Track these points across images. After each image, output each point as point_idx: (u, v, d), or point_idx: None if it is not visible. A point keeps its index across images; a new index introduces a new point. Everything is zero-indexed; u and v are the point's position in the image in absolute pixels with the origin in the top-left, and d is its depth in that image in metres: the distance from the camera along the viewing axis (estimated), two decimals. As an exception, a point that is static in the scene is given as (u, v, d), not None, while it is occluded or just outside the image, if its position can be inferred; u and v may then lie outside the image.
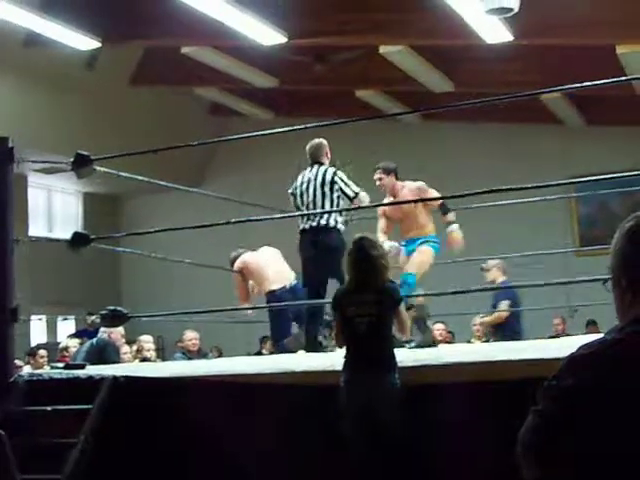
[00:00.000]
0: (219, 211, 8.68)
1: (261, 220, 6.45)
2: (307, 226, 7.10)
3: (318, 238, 7.03)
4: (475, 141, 13.77)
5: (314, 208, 7.11)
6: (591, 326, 11.57)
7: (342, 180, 7.19)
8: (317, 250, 7.03)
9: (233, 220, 6.18)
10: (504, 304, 8.89)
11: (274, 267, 8.23)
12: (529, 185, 7.25)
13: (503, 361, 4.73)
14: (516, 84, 11.24)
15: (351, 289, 4.71)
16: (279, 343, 7.85)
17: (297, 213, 6.94)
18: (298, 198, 7.30)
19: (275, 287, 8.02)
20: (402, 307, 4.75)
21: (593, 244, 13.19)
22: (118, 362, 7.34)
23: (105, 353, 7.90)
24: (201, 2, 9.54)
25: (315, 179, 7.23)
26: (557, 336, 10.43)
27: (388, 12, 10.04)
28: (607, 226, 14.15)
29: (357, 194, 7.14)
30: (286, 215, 6.90)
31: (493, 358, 4.93)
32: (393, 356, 4.53)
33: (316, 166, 7.35)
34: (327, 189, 7.16)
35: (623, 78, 7.10)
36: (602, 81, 6.08)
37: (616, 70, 9.77)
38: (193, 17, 9.93)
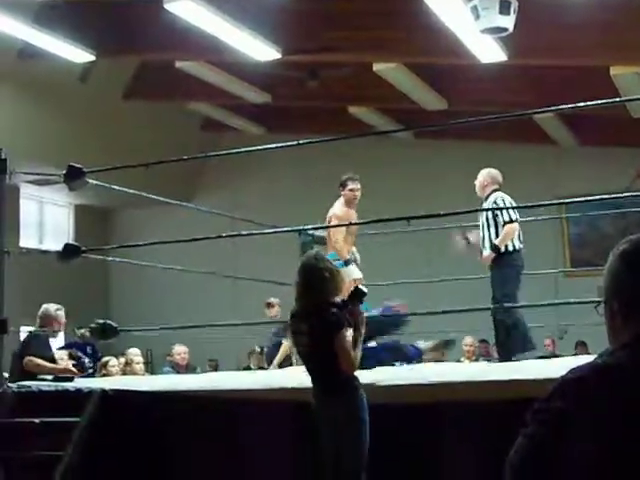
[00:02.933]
0: (210, 226, 8.67)
1: (252, 235, 6.44)
2: None
3: None
4: (468, 159, 13.74)
5: None
6: (580, 347, 11.58)
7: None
8: None
9: (224, 234, 6.19)
10: None
11: None
12: (521, 205, 7.30)
13: (493, 381, 4.73)
14: (510, 104, 11.29)
15: (295, 313, 4.51)
16: None
17: (287, 229, 6.93)
18: None
19: None
20: (340, 337, 4.27)
21: (583, 265, 13.24)
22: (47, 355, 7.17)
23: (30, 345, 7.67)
24: (196, 17, 9.55)
25: None
26: (547, 357, 10.43)
27: (382, 30, 10.07)
28: (598, 247, 14.19)
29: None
30: (277, 230, 6.90)
31: (483, 378, 4.93)
32: (346, 381, 4.35)
33: None
34: None
35: (616, 99, 7.12)
36: (595, 102, 6.10)
37: (610, 91, 9.82)
38: (188, 32, 9.94)
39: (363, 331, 4.38)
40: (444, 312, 6.52)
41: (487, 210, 7.26)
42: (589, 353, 9.97)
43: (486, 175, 7.65)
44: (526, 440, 1.84)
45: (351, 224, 7.36)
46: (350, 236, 7.56)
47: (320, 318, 4.33)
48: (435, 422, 4.52)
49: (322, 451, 4.32)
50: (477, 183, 7.63)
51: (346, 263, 7.32)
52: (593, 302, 6.62)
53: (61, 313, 7.90)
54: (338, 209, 7.62)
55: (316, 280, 4.37)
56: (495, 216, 7.27)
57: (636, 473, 1.71)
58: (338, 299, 4.42)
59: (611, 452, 1.74)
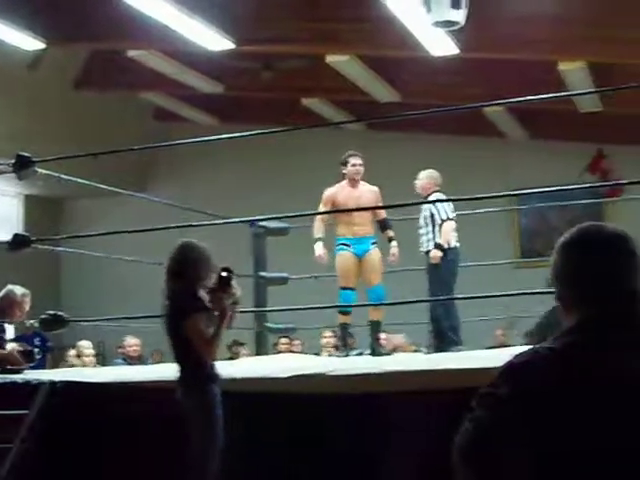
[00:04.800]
0: (162, 216, 8.62)
1: (203, 226, 6.43)
2: None
3: None
4: (419, 151, 13.84)
5: None
6: (529, 337, 11.69)
7: None
8: None
9: (173, 225, 6.18)
10: None
11: None
12: (471, 196, 7.36)
13: (444, 370, 4.77)
14: (461, 97, 11.36)
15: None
16: None
17: (238, 219, 6.93)
18: None
19: None
20: (193, 322, 4.31)
21: (533, 256, 13.38)
22: None
23: None
24: (148, 6, 9.48)
25: None
26: (497, 346, 10.53)
27: (336, 22, 10.08)
28: (547, 239, 14.35)
29: None
30: (228, 221, 6.90)
31: (434, 367, 4.97)
32: (198, 370, 4.38)
33: None
34: None
35: (563, 93, 7.21)
36: (543, 96, 6.18)
37: (557, 86, 9.92)
38: (140, 21, 9.87)
39: (225, 320, 4.42)
40: (392, 304, 6.59)
41: (434, 202, 7.47)
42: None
43: (428, 177, 7.90)
44: (472, 424, 1.88)
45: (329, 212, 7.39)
46: (347, 216, 7.44)
47: (174, 304, 4.40)
48: (385, 411, 4.56)
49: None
50: (418, 184, 7.85)
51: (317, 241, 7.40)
52: (542, 293, 6.73)
53: (27, 300, 7.22)
54: (327, 190, 7.59)
55: (179, 266, 4.45)
56: (432, 216, 7.50)
57: (576, 454, 1.75)
58: (206, 286, 4.47)
59: (552, 435, 1.78)
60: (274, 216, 7.58)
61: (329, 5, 9.96)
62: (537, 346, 1.98)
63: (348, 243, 7.35)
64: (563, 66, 10.42)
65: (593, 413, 1.77)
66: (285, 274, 8.75)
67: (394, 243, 7.48)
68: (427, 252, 7.57)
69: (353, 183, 7.49)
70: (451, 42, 9.70)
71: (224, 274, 4.50)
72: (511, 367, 1.92)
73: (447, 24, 8.14)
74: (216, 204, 10.96)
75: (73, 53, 13.80)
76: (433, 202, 7.49)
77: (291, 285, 8.90)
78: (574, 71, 10.48)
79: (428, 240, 7.55)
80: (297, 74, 12.29)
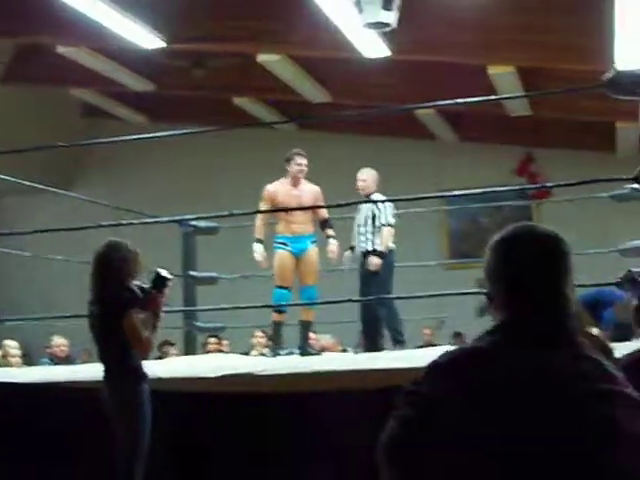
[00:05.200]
0: (92, 215, 8.53)
1: (132, 224, 6.38)
2: None
3: None
4: (350, 153, 13.89)
5: None
6: (457, 337, 11.83)
7: None
8: None
9: (102, 224, 6.12)
10: None
11: None
12: (401, 197, 7.43)
13: (371, 370, 4.80)
14: (392, 98, 11.45)
15: (90, 301, 4.57)
16: None
17: (167, 219, 6.89)
18: None
19: None
20: (129, 319, 4.31)
21: (462, 258, 13.52)
22: None
23: None
24: (79, 2, 9.37)
25: None
26: (425, 346, 10.63)
27: (267, 21, 10.07)
28: (476, 240, 14.51)
29: None
30: (158, 220, 6.86)
31: (362, 367, 4.99)
32: (129, 368, 4.38)
33: None
34: None
35: (492, 97, 7.30)
36: (473, 99, 6.25)
37: (487, 90, 10.05)
38: (70, 16, 9.73)
39: (160, 316, 4.47)
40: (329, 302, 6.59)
41: (376, 202, 7.52)
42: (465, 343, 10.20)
43: (372, 176, 7.92)
44: (396, 422, 1.89)
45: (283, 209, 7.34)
46: (287, 214, 7.35)
47: (107, 300, 4.40)
48: (314, 410, 4.57)
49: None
50: (361, 183, 7.84)
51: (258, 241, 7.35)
52: (470, 293, 6.81)
53: None
54: (268, 186, 7.50)
55: (105, 266, 4.45)
56: (374, 217, 7.56)
57: (496, 453, 1.77)
58: (136, 283, 4.48)
59: (473, 433, 1.79)
60: (203, 215, 7.54)
61: (261, 4, 9.94)
62: (462, 345, 2.01)
63: (286, 242, 7.30)
64: (492, 70, 10.55)
65: (514, 412, 1.78)
66: (214, 274, 8.71)
67: (333, 240, 7.45)
68: (365, 253, 7.60)
69: (295, 181, 7.45)
70: (383, 44, 9.75)
71: (163, 274, 4.50)
72: (436, 366, 1.94)
73: (379, 26, 8.18)
74: (146, 203, 10.88)
75: (1, 47, 13.57)
76: (374, 202, 7.53)
77: (221, 285, 8.86)
78: (503, 75, 10.62)
79: (366, 240, 7.60)
80: (228, 73, 12.26)
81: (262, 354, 9.52)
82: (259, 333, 10.58)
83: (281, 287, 7.26)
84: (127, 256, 4.51)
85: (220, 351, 10.45)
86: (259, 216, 7.38)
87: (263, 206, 7.37)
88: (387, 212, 7.68)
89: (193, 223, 8.34)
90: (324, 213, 7.58)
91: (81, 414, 4.80)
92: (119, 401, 4.31)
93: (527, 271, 1.97)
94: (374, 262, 7.55)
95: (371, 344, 7.54)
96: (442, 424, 1.83)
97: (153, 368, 4.75)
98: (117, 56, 12.01)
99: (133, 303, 4.36)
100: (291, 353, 7.46)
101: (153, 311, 4.44)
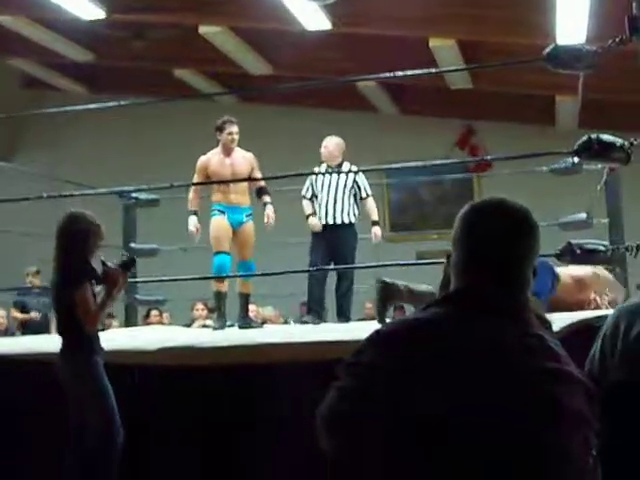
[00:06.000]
0: (32, 186, 8.43)
1: (72, 196, 6.32)
2: None
3: None
4: (292, 125, 13.89)
5: None
6: (399, 310, 11.90)
7: None
8: None
9: (45, 195, 6.05)
10: None
11: None
12: (342, 170, 7.44)
13: (313, 342, 4.82)
14: (334, 71, 11.43)
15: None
16: None
17: (107, 190, 6.81)
18: None
19: None
20: (82, 291, 4.32)
21: (403, 230, 13.61)
22: None
23: None
24: (16, -30, 9.23)
25: None
26: (367, 319, 10.68)
27: (209, -8, 10.01)
28: (416, 213, 14.62)
29: None
30: (98, 192, 6.80)
31: (304, 339, 5.01)
32: (84, 339, 4.38)
33: None
34: None
35: (433, 70, 7.34)
36: (413, 72, 6.28)
37: (429, 62, 10.08)
38: (7, -15, 9.60)
39: (114, 292, 4.51)
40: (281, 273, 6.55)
41: (357, 172, 7.50)
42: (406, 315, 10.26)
43: (339, 144, 7.80)
44: (336, 393, 1.90)
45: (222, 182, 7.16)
46: (226, 185, 7.17)
47: (63, 273, 4.41)
48: (256, 383, 4.58)
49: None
50: (327, 151, 7.71)
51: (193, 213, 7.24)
52: (411, 264, 6.87)
53: None
54: (200, 158, 7.33)
55: (67, 238, 4.45)
56: (357, 187, 7.52)
57: (437, 424, 1.79)
58: (100, 258, 4.52)
59: (409, 402, 1.81)
60: (144, 187, 7.47)
61: (202, -25, 9.88)
62: (405, 316, 2.02)
63: (223, 210, 7.15)
64: (433, 43, 10.58)
65: (457, 383, 1.80)
66: (155, 245, 8.65)
67: (270, 207, 7.28)
68: (343, 224, 7.53)
69: (228, 151, 7.28)
70: (324, 17, 9.74)
71: (131, 258, 4.66)
72: (377, 336, 1.95)
73: (321, -2, 8.18)
74: (86, 174, 10.77)
75: None
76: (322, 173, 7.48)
77: (161, 257, 8.82)
78: (444, 48, 10.66)
79: (343, 211, 7.51)
80: (169, 44, 12.14)
81: (205, 325, 9.50)
82: (200, 305, 10.57)
83: (219, 252, 7.11)
84: (89, 228, 4.51)
85: (161, 323, 10.42)
86: (192, 188, 7.28)
87: (196, 178, 7.23)
88: (366, 183, 7.66)
89: (133, 195, 8.28)
90: (261, 181, 7.40)
91: (36, 387, 4.75)
92: (77, 372, 4.30)
93: (487, 243, 1.98)
94: (380, 233, 7.61)
95: (318, 316, 7.50)
96: (382, 394, 1.83)
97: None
98: (56, 26, 11.83)
99: (89, 276, 4.38)
100: (232, 325, 7.44)
101: (109, 288, 4.46)
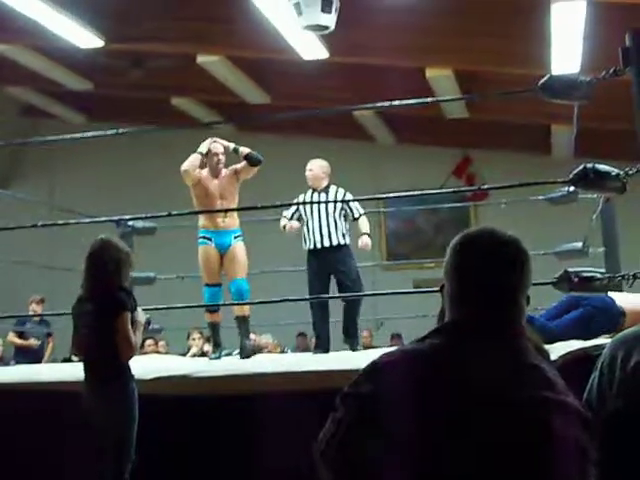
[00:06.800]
0: (28, 214, 8.43)
1: (68, 224, 6.32)
2: None
3: None
4: (289, 154, 13.90)
5: None
6: (395, 338, 11.90)
7: None
8: None
9: (40, 224, 6.05)
10: None
11: None
12: (339, 199, 7.45)
13: (311, 372, 4.80)
14: (330, 100, 11.49)
15: (81, 297, 4.52)
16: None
17: (104, 218, 6.80)
18: None
19: None
20: (123, 319, 4.31)
21: (400, 259, 13.60)
22: None
23: None
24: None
25: None
26: (364, 348, 10.67)
27: (207, 22, 10.05)
28: (413, 242, 14.63)
29: None
30: (95, 220, 6.78)
31: (300, 369, 4.99)
32: (122, 367, 4.37)
33: None
34: None
35: (428, 99, 7.35)
36: (410, 101, 6.30)
37: (426, 92, 10.12)
38: (7, 14, 9.62)
39: (144, 319, 4.49)
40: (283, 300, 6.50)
41: (352, 201, 7.40)
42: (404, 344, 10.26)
43: (324, 167, 7.67)
44: (334, 424, 1.90)
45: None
46: (209, 206, 7.03)
47: (105, 299, 4.36)
48: (252, 414, 4.56)
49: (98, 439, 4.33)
50: (312, 174, 7.56)
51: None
52: (408, 293, 6.86)
53: None
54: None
55: (99, 266, 4.41)
56: (342, 209, 7.39)
57: (430, 452, 1.78)
58: (127, 284, 4.49)
59: (409, 434, 1.80)
60: (141, 216, 7.47)
61: (200, 5, 9.92)
62: (403, 346, 2.02)
63: (209, 236, 6.99)
64: (430, 73, 10.64)
65: (453, 412, 1.80)
66: (151, 274, 8.64)
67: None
68: (343, 245, 7.34)
69: (214, 173, 7.17)
70: (321, 46, 9.79)
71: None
72: (374, 366, 1.94)
73: (317, 28, 8.21)
74: (84, 203, 10.78)
75: None
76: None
77: (158, 285, 8.82)
78: (441, 78, 10.73)
79: (341, 234, 7.32)
80: (167, 73, 12.19)
81: (203, 353, 9.47)
82: (196, 334, 10.56)
83: (209, 285, 7.00)
84: (120, 256, 4.47)
85: (157, 352, 10.40)
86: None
87: (190, 181, 7.10)
88: (357, 203, 7.51)
89: (130, 223, 8.28)
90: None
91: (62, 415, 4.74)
92: (106, 400, 4.28)
93: (480, 274, 1.98)
94: (369, 242, 7.39)
95: (326, 344, 7.27)
96: (380, 425, 1.83)
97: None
98: (55, 54, 11.89)
99: (128, 305, 4.35)
100: (230, 354, 7.40)
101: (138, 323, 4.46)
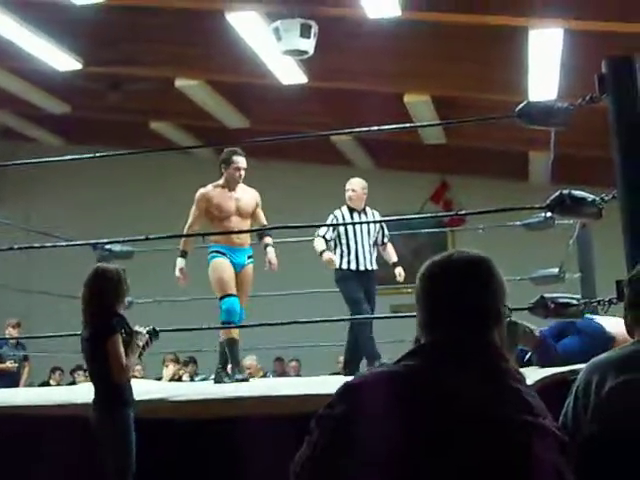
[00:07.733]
0: (4, 236, 8.39)
1: (45, 248, 6.29)
2: None
3: None
4: (268, 179, 13.90)
5: None
6: (378, 361, 11.86)
7: None
8: None
9: (16, 246, 6.02)
10: None
11: None
12: (318, 224, 7.45)
13: (287, 396, 4.79)
14: (309, 125, 11.51)
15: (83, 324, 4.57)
16: None
17: (81, 242, 6.75)
18: None
19: None
20: (113, 341, 4.33)
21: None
22: None
23: None
24: (-7, 22, 9.26)
25: None
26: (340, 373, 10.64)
27: (185, 46, 10.07)
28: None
29: None
30: (72, 244, 6.76)
31: (275, 393, 4.98)
32: (117, 393, 4.38)
33: None
34: None
35: (408, 125, 7.40)
36: (388, 127, 6.32)
37: (403, 117, 10.18)
38: (-16, 36, 9.62)
39: (141, 343, 4.55)
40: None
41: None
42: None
43: (365, 187, 7.55)
44: (309, 447, 1.89)
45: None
46: (224, 222, 6.69)
47: (97, 323, 4.43)
48: (230, 437, 4.54)
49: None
50: (356, 195, 7.46)
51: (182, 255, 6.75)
52: (385, 318, 6.85)
53: None
54: (201, 189, 6.84)
55: (94, 295, 4.49)
56: (377, 232, 7.41)
57: (411, 472, 1.77)
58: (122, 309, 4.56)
59: (386, 454, 1.80)
60: (118, 240, 7.43)
61: (179, 29, 9.93)
62: (376, 368, 2.01)
63: (224, 251, 6.67)
64: (408, 98, 10.69)
65: (429, 433, 1.79)
66: (129, 298, 8.59)
67: (271, 249, 6.80)
68: (376, 269, 7.37)
69: (232, 186, 6.84)
70: (300, 71, 9.83)
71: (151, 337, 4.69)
72: (347, 387, 1.94)
73: (296, 53, 8.27)
74: (61, 226, 10.73)
75: None
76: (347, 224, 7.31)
77: (135, 309, 8.77)
78: (419, 104, 10.78)
79: (372, 256, 7.34)
80: (145, 97, 12.20)
81: (179, 378, 9.41)
82: (170, 357, 10.52)
83: (227, 295, 6.56)
84: (116, 283, 4.55)
85: (133, 377, 10.32)
86: (189, 223, 6.77)
87: (195, 211, 6.76)
88: (385, 229, 7.53)
89: (108, 247, 8.24)
90: (264, 219, 7.00)
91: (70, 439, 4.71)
92: (104, 426, 4.29)
93: (452, 299, 1.98)
94: (403, 272, 7.31)
95: (356, 367, 7.15)
96: (354, 447, 1.83)
97: (66, 393, 4.70)
98: (32, 77, 11.87)
99: (120, 328, 4.42)
100: (205, 379, 7.35)
101: (133, 346, 4.51)
